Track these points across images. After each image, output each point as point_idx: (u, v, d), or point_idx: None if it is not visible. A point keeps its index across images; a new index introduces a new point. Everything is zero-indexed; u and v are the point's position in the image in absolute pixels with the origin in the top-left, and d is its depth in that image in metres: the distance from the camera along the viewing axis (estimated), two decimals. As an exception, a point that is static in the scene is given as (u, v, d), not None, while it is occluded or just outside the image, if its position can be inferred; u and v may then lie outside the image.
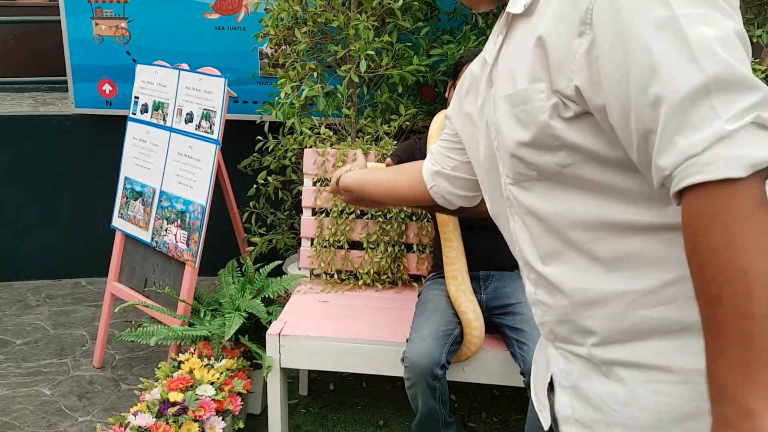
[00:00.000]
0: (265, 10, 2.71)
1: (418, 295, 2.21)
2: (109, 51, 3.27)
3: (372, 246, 2.45)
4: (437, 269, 2.21)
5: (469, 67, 1.07)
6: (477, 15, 2.54)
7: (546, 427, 0.99)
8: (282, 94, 2.56)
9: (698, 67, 0.66)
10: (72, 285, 3.60)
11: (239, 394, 2.18)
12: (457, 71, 2.07)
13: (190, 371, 2.17)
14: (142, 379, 2.22)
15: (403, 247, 2.46)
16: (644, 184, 0.77)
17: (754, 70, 2.29)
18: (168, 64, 2.68)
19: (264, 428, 2.27)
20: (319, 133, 2.56)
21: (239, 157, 3.01)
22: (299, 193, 2.71)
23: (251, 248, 2.83)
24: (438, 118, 2.16)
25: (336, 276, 2.52)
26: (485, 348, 2.00)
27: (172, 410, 2.00)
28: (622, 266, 0.82)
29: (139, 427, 1.96)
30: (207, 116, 2.49)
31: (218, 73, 2.50)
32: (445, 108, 2.15)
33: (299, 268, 2.60)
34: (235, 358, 2.28)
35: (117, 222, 2.81)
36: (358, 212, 2.47)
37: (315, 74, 2.62)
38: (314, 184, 2.53)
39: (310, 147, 2.53)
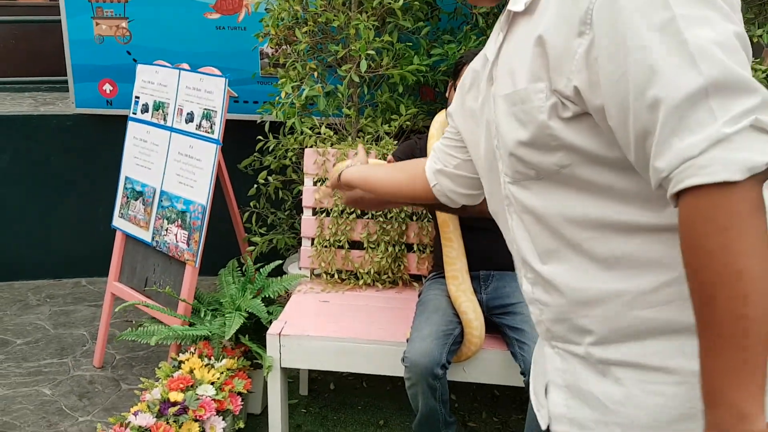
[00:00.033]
0: (266, 9, 2.71)
1: (419, 295, 2.21)
2: (110, 51, 3.27)
3: (372, 246, 2.45)
4: (438, 269, 2.21)
5: (472, 64, 1.07)
6: (477, 15, 2.54)
7: (544, 426, 0.99)
8: (282, 94, 2.56)
9: (697, 70, 0.66)
10: (72, 285, 3.61)
11: (239, 393, 2.18)
12: (458, 71, 2.06)
13: (191, 371, 2.17)
14: (143, 378, 2.22)
15: (403, 246, 2.46)
16: (642, 185, 0.77)
17: (755, 70, 2.29)
18: (168, 64, 2.68)
19: (264, 428, 2.27)
20: (319, 133, 2.56)
21: (240, 157, 3.01)
22: (300, 192, 2.71)
23: (252, 248, 2.83)
24: (438, 118, 2.16)
25: (336, 276, 2.52)
26: (485, 348, 2.00)
27: (172, 410, 2.00)
28: (619, 266, 0.82)
29: (140, 426, 1.96)
30: (207, 116, 2.49)
31: (219, 72, 2.50)
32: (446, 108, 2.16)
33: (300, 268, 2.60)
34: (236, 357, 2.28)
35: (117, 222, 2.81)
36: (359, 212, 2.47)
37: (315, 74, 2.62)
38: (315, 183, 2.53)
39: (311, 147, 2.53)
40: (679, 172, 0.67)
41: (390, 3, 2.42)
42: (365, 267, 2.47)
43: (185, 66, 2.62)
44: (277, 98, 2.65)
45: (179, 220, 2.54)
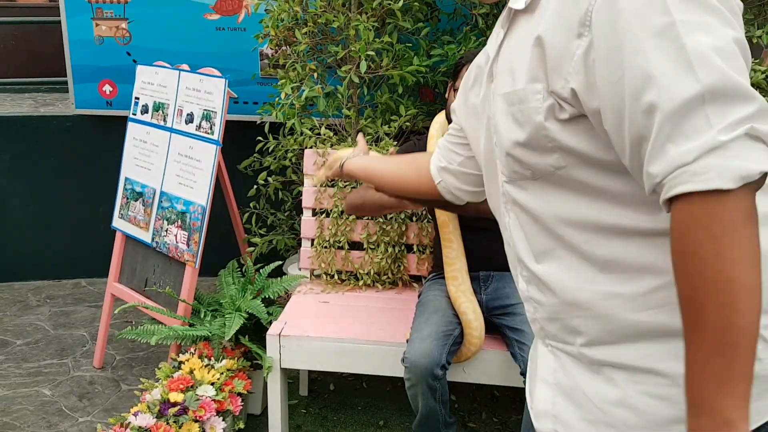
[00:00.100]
0: (266, 10, 2.71)
1: (419, 296, 2.22)
2: (110, 52, 3.27)
3: (372, 246, 2.46)
4: (437, 270, 2.21)
5: (475, 60, 1.06)
6: (477, 16, 2.54)
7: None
8: (282, 95, 2.56)
9: (694, 77, 0.66)
10: (72, 285, 3.61)
11: (239, 394, 2.18)
12: (457, 72, 2.07)
13: (191, 371, 2.17)
14: (143, 379, 2.22)
15: (403, 247, 2.47)
16: (638, 189, 0.77)
17: (754, 71, 2.28)
18: (168, 65, 2.68)
19: (264, 428, 2.27)
20: (319, 134, 2.56)
21: (239, 158, 3.01)
22: (299, 193, 2.71)
23: (251, 249, 2.83)
24: (438, 119, 2.16)
25: (336, 276, 2.52)
26: (485, 348, 2.00)
27: (172, 410, 2.00)
28: (613, 268, 0.82)
29: (140, 427, 1.96)
30: (207, 117, 2.49)
31: (218, 73, 2.50)
32: (445, 109, 2.16)
33: (299, 269, 2.60)
34: (236, 358, 2.28)
35: (117, 222, 2.81)
36: (359, 213, 2.47)
37: (315, 75, 2.62)
38: (314, 185, 2.53)
39: (311, 148, 2.53)
40: (673, 178, 0.67)
41: (390, 4, 2.42)
42: (365, 268, 2.47)
43: (185, 67, 2.62)
44: (276, 99, 2.66)
45: (179, 220, 2.54)
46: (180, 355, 2.30)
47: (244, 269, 2.66)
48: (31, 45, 4.71)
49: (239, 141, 2.92)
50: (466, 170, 1.15)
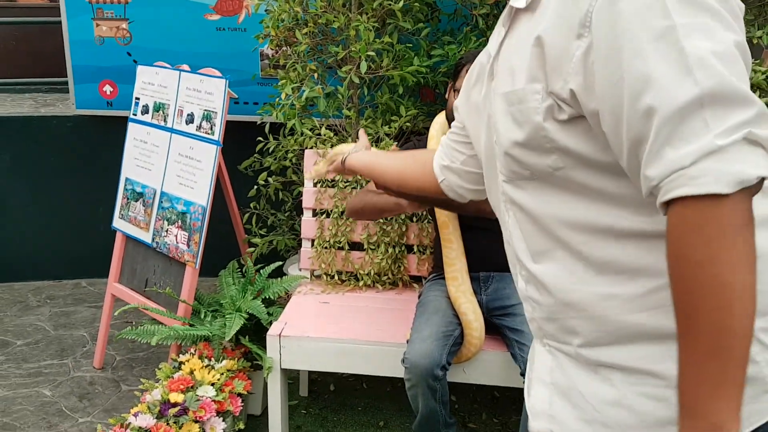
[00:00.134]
0: (266, 11, 2.71)
1: (419, 296, 2.22)
2: (110, 52, 3.27)
3: (372, 247, 2.45)
4: (437, 270, 2.21)
5: (479, 57, 1.05)
6: (478, 16, 2.54)
7: None
8: (282, 95, 2.56)
9: (693, 80, 0.66)
10: (72, 286, 3.61)
11: (240, 395, 2.18)
12: (458, 72, 2.07)
13: (191, 372, 2.17)
14: (143, 380, 2.22)
15: (403, 248, 2.47)
16: (636, 191, 0.77)
17: (755, 72, 2.28)
18: (169, 65, 2.68)
19: (264, 429, 2.27)
20: (319, 134, 2.56)
21: (240, 158, 3.01)
22: (300, 194, 2.71)
23: (252, 249, 2.83)
24: (438, 120, 2.16)
25: (336, 277, 2.52)
26: (485, 349, 2.00)
27: (172, 411, 2.00)
28: (610, 270, 0.82)
29: (140, 427, 1.96)
30: (208, 117, 2.50)
31: (219, 74, 2.50)
32: (446, 109, 2.16)
33: (300, 269, 2.60)
34: (236, 359, 2.28)
35: (117, 223, 2.81)
36: (359, 213, 2.47)
37: (315, 75, 2.62)
38: (315, 185, 2.53)
39: (311, 148, 2.53)
40: (670, 182, 0.67)
41: (390, 4, 2.42)
42: (365, 268, 2.47)
43: (185, 67, 2.62)
44: (277, 99, 2.66)
45: (179, 221, 2.54)
46: (180, 355, 2.30)
47: (244, 270, 2.66)
48: (32, 45, 4.72)
49: (239, 141, 2.92)
50: (469, 168, 1.14)
